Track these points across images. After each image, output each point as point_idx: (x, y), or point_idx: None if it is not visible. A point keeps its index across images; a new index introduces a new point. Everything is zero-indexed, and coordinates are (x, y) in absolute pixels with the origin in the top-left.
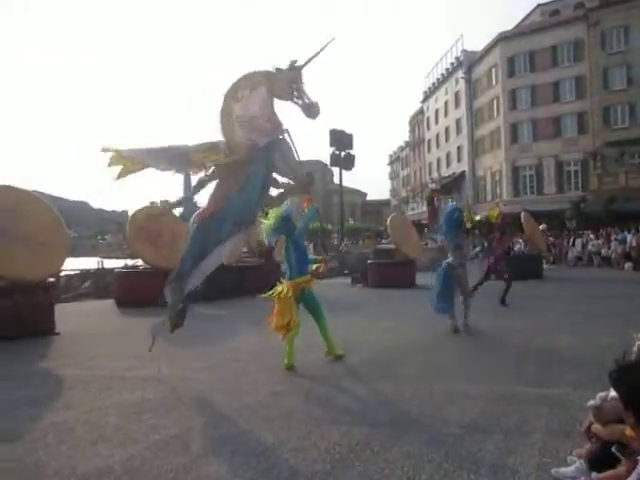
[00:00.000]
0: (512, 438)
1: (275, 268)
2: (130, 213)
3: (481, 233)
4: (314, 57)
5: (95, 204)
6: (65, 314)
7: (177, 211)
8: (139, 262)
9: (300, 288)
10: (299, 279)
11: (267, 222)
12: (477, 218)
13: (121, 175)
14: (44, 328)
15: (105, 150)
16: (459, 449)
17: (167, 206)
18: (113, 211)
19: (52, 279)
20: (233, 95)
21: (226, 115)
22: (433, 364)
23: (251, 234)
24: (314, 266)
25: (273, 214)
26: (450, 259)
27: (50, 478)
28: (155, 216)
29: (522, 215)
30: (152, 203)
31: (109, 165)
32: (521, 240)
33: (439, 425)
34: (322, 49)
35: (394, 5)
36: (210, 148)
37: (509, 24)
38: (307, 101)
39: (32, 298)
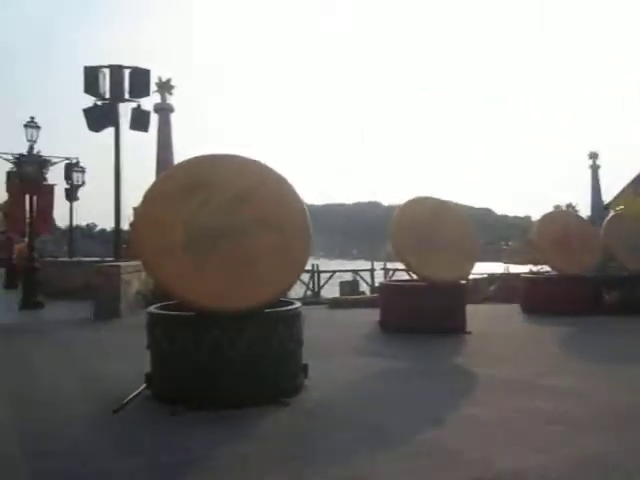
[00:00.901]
0: None
1: None
2: (534, 219)
3: None
4: None
5: (498, 211)
6: (474, 315)
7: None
8: (544, 268)
9: None
10: None
11: None
12: None
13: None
14: (457, 326)
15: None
16: None
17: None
18: (515, 217)
19: (464, 281)
20: None
21: None
22: None
23: None
24: None
25: None
26: None
27: (466, 466)
28: (564, 222)
29: None
30: (556, 207)
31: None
32: None
33: None
34: None
35: None
36: None
37: None
38: None
39: (448, 298)
